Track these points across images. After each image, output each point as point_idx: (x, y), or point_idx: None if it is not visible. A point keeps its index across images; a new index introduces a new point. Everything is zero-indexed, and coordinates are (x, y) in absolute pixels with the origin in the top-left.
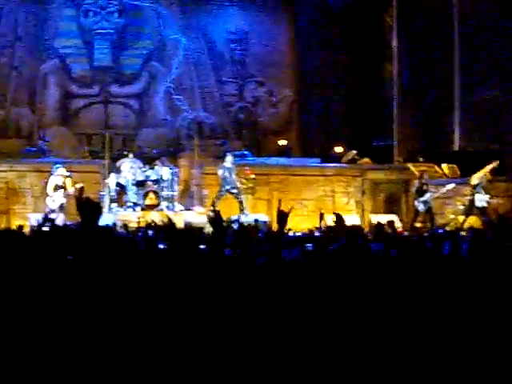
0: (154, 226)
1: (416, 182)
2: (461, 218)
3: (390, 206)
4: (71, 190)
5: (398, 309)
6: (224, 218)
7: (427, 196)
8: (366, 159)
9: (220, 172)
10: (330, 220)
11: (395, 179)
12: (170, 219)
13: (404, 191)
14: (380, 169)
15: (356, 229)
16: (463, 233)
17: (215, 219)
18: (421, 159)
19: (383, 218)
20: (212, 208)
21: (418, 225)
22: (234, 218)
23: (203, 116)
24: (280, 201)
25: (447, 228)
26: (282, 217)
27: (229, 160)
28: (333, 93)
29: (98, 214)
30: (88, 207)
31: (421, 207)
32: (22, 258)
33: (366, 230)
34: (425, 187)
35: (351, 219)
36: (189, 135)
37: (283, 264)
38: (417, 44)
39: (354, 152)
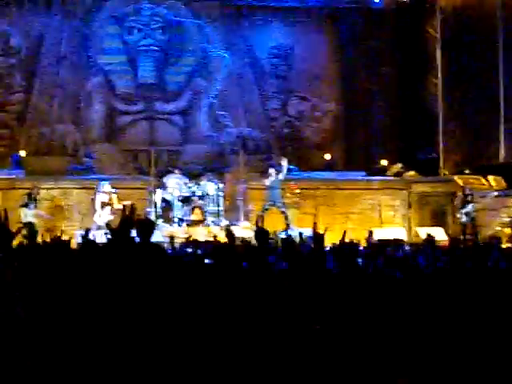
0: (198, 243)
1: (459, 194)
2: (507, 230)
3: (437, 218)
4: (118, 206)
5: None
6: (270, 232)
7: (469, 207)
8: (412, 172)
9: (267, 183)
10: (377, 235)
11: (441, 192)
12: (230, 234)
13: (450, 203)
14: (426, 181)
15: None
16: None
17: (261, 234)
18: (467, 171)
19: (429, 231)
20: (257, 223)
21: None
22: (280, 233)
23: (247, 131)
24: (315, 224)
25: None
26: (318, 238)
27: (273, 174)
28: (377, 106)
29: (152, 232)
30: (143, 225)
31: (464, 219)
32: (70, 270)
33: (412, 242)
34: (468, 198)
35: (397, 232)
36: (233, 151)
37: (329, 277)
38: (461, 55)
39: (400, 165)
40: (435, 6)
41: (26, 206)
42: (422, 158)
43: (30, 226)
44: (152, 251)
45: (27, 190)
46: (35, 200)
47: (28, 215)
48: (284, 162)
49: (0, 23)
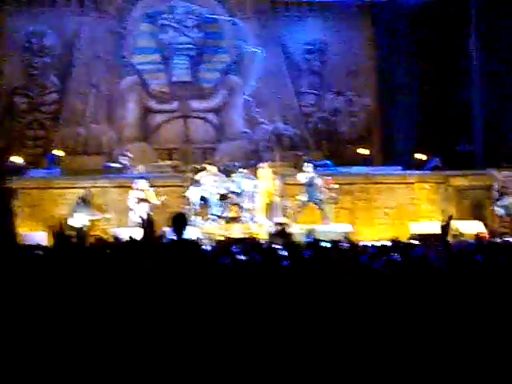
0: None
1: (496, 187)
2: None
3: (475, 212)
4: (155, 201)
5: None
6: (306, 228)
7: (506, 200)
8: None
9: (303, 180)
10: (416, 228)
11: (479, 185)
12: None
13: (489, 197)
14: (464, 175)
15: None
16: None
17: (282, 236)
18: (504, 164)
19: (468, 225)
20: (281, 224)
21: (503, 230)
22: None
23: (282, 127)
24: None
25: None
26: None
27: (309, 169)
28: (414, 100)
29: (184, 225)
30: (177, 219)
31: (501, 212)
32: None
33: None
34: (506, 191)
35: (435, 227)
36: (268, 147)
37: (370, 274)
38: (497, 48)
39: (437, 159)
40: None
41: (77, 210)
42: (461, 151)
43: (78, 230)
44: (188, 250)
45: (70, 190)
46: (89, 202)
47: (82, 219)
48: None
49: (34, 23)
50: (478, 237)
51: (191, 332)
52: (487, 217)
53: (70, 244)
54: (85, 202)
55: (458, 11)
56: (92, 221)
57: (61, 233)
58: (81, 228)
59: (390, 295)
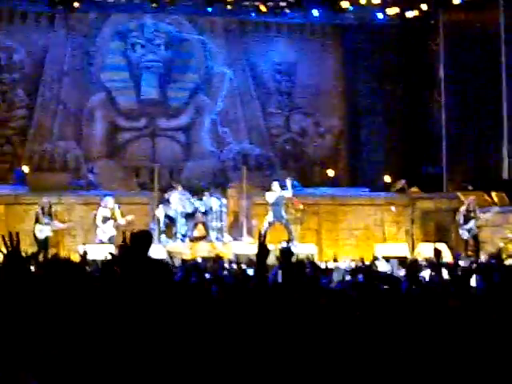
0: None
1: (462, 210)
2: (510, 246)
3: (440, 234)
4: (121, 220)
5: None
6: (273, 246)
7: (471, 224)
8: (415, 188)
9: (270, 199)
10: (381, 249)
11: (445, 208)
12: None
13: (454, 220)
14: (429, 198)
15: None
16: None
17: (261, 253)
18: (470, 187)
19: (432, 247)
20: (260, 239)
21: (468, 253)
22: (283, 245)
23: (249, 147)
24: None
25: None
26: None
27: (276, 189)
28: (381, 121)
29: (149, 244)
30: (138, 237)
31: (465, 235)
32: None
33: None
34: (471, 214)
35: (400, 249)
36: (235, 167)
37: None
38: (464, 72)
39: (403, 181)
40: (438, 23)
41: (37, 221)
42: (426, 173)
43: (42, 241)
44: (156, 269)
45: (36, 206)
46: (49, 214)
47: (44, 230)
48: (288, 181)
49: (3, 39)
50: (435, 251)
51: (159, 355)
52: (452, 240)
53: (21, 260)
54: (44, 212)
55: (424, 33)
56: (55, 231)
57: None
58: (45, 239)
59: (353, 318)
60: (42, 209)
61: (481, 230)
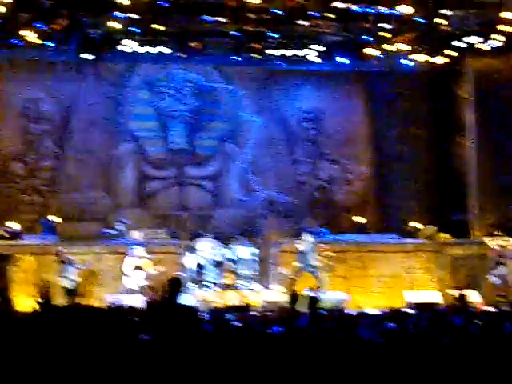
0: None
1: (491, 256)
2: None
3: (471, 281)
4: (152, 271)
5: None
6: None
7: (500, 270)
8: (445, 235)
9: (300, 248)
10: (410, 297)
11: (475, 254)
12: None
13: (484, 266)
14: (459, 244)
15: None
16: None
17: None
18: (499, 233)
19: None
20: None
21: (498, 299)
22: (309, 292)
23: (277, 195)
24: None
25: None
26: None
27: (306, 238)
28: (409, 167)
29: (178, 290)
30: (171, 284)
31: (494, 280)
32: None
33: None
34: (501, 260)
35: (432, 296)
36: (264, 215)
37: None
38: (492, 118)
39: (432, 227)
40: (466, 69)
41: (63, 273)
42: (456, 220)
43: (70, 291)
44: (184, 316)
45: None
46: (71, 261)
47: (69, 279)
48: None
49: (31, 90)
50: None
51: None
52: (482, 286)
53: (54, 309)
54: (63, 262)
55: (452, 79)
56: (80, 275)
57: (45, 298)
58: (73, 289)
59: (385, 365)
60: (59, 259)
61: (510, 276)
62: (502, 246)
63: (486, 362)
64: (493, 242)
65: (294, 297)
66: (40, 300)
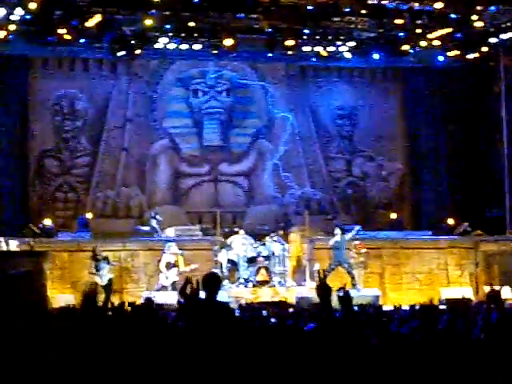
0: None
1: None
2: None
3: (505, 277)
4: (184, 269)
5: None
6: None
7: None
8: (479, 231)
9: (331, 244)
10: (446, 293)
11: (509, 250)
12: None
13: None
14: (493, 240)
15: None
16: None
17: (323, 292)
18: None
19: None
20: (320, 280)
21: None
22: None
23: (310, 192)
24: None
25: None
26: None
27: (338, 234)
28: (444, 164)
29: (218, 287)
30: (209, 279)
31: None
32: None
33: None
34: None
35: (465, 292)
36: (297, 211)
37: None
38: None
39: (466, 224)
40: (499, 64)
41: (97, 268)
42: (490, 216)
43: (105, 287)
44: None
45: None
46: (105, 258)
47: (104, 276)
48: (356, 227)
49: (66, 87)
50: (489, 297)
51: None
52: None
53: (98, 308)
54: (97, 259)
55: (485, 75)
56: (114, 272)
57: (91, 296)
58: (108, 284)
59: (418, 361)
60: (94, 256)
61: None
62: None
63: None
64: None
65: (327, 291)
66: (84, 299)
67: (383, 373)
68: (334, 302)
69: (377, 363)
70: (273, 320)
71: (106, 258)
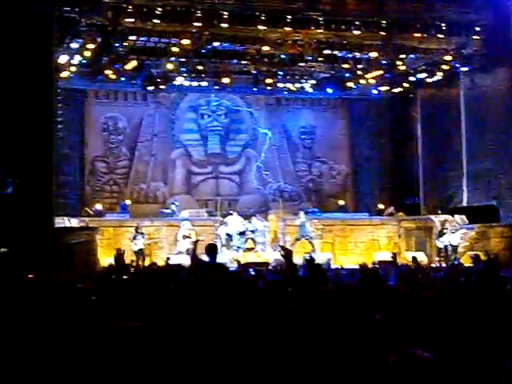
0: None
1: (438, 227)
2: (469, 252)
3: (419, 245)
4: (195, 238)
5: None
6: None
7: (445, 237)
8: (401, 213)
9: (297, 222)
10: (378, 256)
11: (422, 226)
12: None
13: (428, 236)
14: (411, 219)
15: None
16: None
17: (287, 256)
18: (439, 212)
19: (414, 254)
20: (283, 249)
21: (438, 259)
22: (307, 255)
23: (283, 186)
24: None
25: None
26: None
27: (301, 216)
28: (376, 166)
29: (216, 252)
30: (211, 248)
31: (440, 245)
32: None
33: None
34: (445, 231)
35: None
36: (274, 199)
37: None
38: (434, 129)
39: (392, 207)
40: (417, 96)
41: (134, 238)
42: (407, 203)
43: (137, 252)
44: (218, 270)
45: (133, 229)
46: (142, 233)
47: (138, 244)
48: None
49: (111, 111)
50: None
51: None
52: (427, 249)
53: (125, 265)
54: (137, 231)
55: (406, 103)
56: (146, 244)
57: (119, 257)
58: (140, 250)
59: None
60: (136, 229)
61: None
62: (444, 221)
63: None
64: (435, 218)
65: (289, 253)
66: (116, 260)
67: (336, 311)
68: (295, 261)
69: (331, 305)
70: (252, 273)
71: (142, 233)
